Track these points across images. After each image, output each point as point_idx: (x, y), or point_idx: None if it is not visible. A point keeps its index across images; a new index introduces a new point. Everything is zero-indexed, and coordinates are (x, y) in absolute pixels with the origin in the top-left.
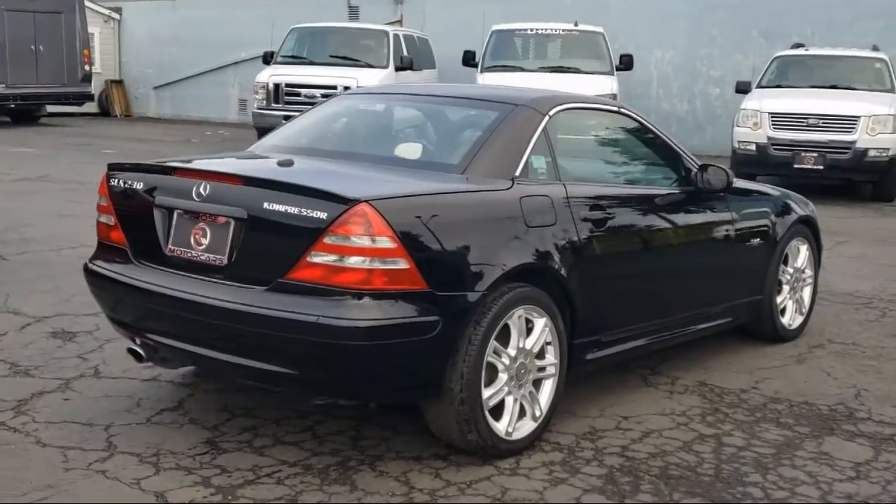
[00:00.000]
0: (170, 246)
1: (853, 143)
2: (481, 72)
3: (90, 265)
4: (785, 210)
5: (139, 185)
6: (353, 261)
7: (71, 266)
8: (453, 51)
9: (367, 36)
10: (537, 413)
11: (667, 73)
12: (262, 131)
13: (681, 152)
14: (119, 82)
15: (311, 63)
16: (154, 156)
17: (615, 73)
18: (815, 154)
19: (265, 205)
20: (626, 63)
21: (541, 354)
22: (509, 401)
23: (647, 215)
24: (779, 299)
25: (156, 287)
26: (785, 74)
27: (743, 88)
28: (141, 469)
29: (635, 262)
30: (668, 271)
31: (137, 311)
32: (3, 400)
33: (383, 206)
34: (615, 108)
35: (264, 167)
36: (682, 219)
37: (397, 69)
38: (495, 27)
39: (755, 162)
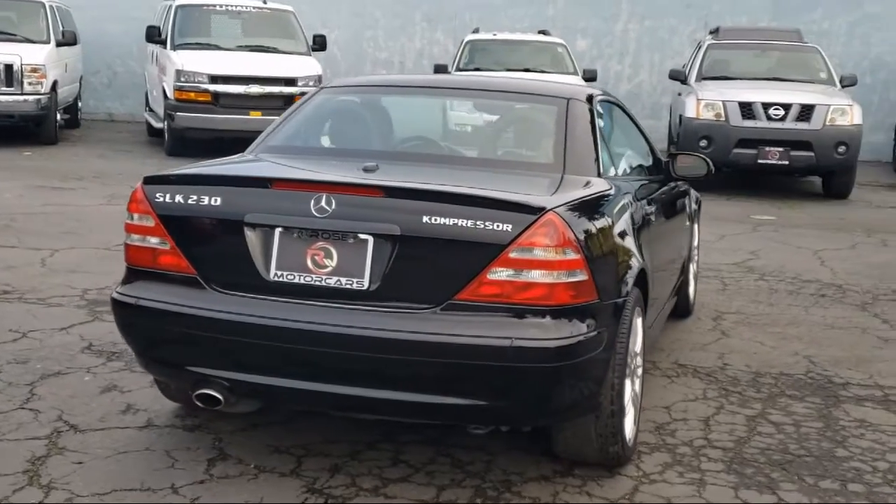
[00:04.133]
0: (274, 270)
1: None
2: (173, 49)
3: (126, 298)
4: (693, 194)
5: (214, 201)
6: (536, 275)
7: None
8: (93, 25)
9: (16, 7)
10: (635, 415)
11: (334, 55)
12: None
13: (649, 142)
14: None
15: None
16: None
17: (311, 53)
18: None
19: (425, 219)
20: (319, 44)
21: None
22: (630, 406)
23: (661, 205)
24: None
25: (262, 320)
26: (478, 58)
27: (441, 70)
28: None
29: (661, 252)
30: (670, 258)
31: (223, 350)
32: (3, 474)
33: (567, 215)
34: (613, 99)
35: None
36: (673, 205)
37: (58, 44)
38: (179, 1)
39: None
